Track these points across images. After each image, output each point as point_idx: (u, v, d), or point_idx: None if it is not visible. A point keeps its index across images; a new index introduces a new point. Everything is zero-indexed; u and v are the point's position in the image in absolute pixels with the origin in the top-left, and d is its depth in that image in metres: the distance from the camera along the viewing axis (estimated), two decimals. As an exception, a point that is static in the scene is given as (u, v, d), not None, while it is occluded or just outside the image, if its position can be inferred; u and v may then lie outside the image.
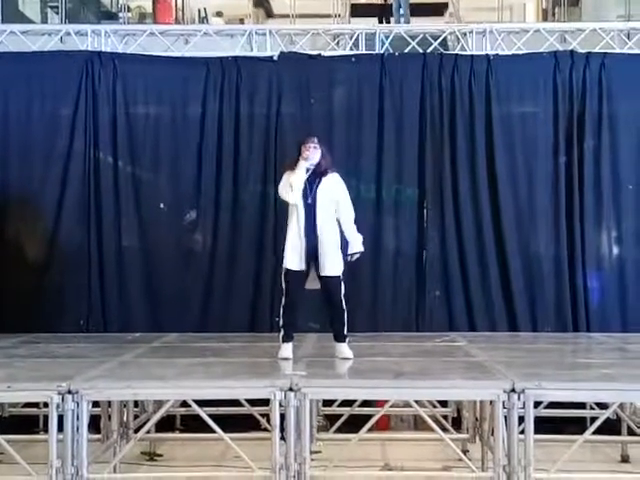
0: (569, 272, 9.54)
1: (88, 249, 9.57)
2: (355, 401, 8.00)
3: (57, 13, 14.24)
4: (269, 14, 15.97)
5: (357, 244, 7.22)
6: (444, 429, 7.61)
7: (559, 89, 9.68)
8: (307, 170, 7.11)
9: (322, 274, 7.07)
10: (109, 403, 7.11)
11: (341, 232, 7.25)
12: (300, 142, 7.22)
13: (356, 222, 8.96)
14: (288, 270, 7.09)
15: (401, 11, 14.70)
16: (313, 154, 7.10)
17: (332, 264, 7.08)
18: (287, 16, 15.79)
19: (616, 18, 13.34)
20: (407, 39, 10.52)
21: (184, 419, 8.77)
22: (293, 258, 7.06)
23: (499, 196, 9.60)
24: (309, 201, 7.06)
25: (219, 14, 16.16)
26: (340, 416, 8.27)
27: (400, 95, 9.73)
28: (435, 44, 10.45)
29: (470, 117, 9.67)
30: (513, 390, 5.83)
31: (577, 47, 10.05)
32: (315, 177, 7.12)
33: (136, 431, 7.30)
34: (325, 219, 7.08)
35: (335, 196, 7.15)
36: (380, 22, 14.87)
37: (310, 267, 7.06)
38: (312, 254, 7.03)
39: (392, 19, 14.62)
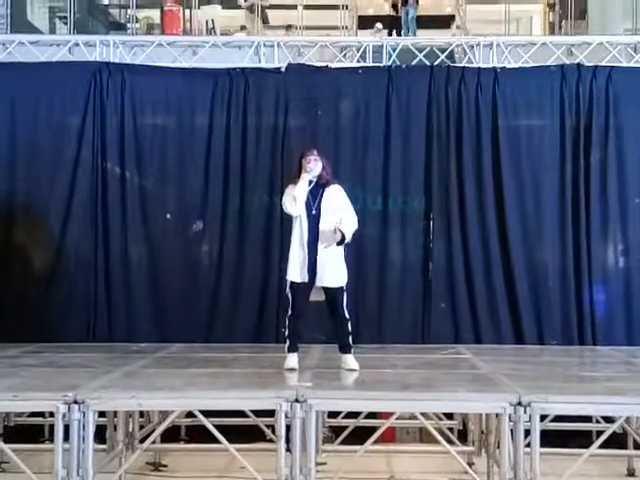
0: (575, 285, 9.53)
1: (95, 258, 9.59)
2: (360, 413, 7.98)
3: (65, 24, 14.33)
4: (264, 21, 16.06)
5: (347, 228, 7.06)
6: (450, 442, 7.60)
7: (566, 102, 9.68)
8: (310, 182, 7.14)
9: (325, 285, 7.08)
10: (115, 413, 7.10)
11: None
12: (300, 155, 7.26)
13: (362, 233, 9.06)
14: (292, 282, 7.11)
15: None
16: (314, 166, 7.13)
17: (335, 275, 7.10)
18: (283, 27, 15.86)
19: (623, 32, 13.38)
20: (414, 51, 10.54)
21: (189, 430, 8.76)
22: (296, 270, 7.08)
23: (505, 208, 9.60)
24: (313, 212, 7.09)
25: (243, 28, 16.21)
26: (345, 428, 8.27)
27: (407, 107, 9.75)
28: (442, 57, 10.47)
29: (477, 129, 9.68)
30: (519, 403, 5.81)
31: (584, 60, 10.06)
32: (318, 188, 7.16)
33: (141, 441, 7.30)
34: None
35: (339, 207, 7.16)
36: (389, 34, 14.93)
37: (315, 278, 7.07)
38: (315, 265, 7.03)
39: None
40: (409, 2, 15.48)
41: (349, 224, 7.17)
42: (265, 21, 16.22)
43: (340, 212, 7.14)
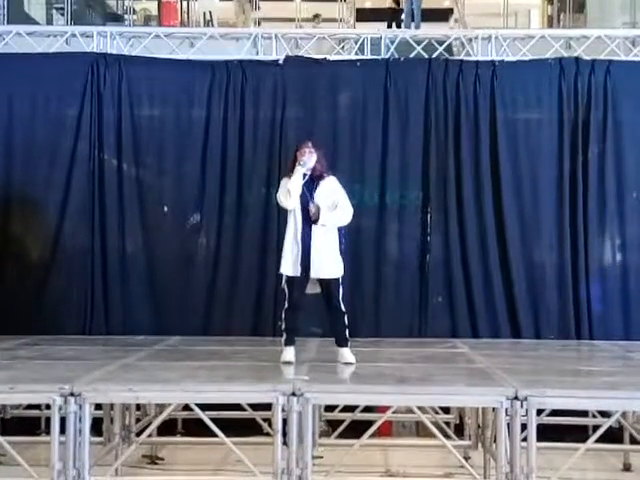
0: (572, 279, 9.52)
1: (92, 251, 9.56)
2: (357, 406, 7.98)
3: (62, 15, 14.30)
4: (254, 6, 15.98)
5: (327, 214, 7.06)
6: (446, 436, 7.60)
7: (564, 95, 9.67)
8: (304, 176, 7.11)
9: (320, 277, 7.07)
10: (111, 406, 7.10)
11: (340, 235, 7.25)
12: (296, 148, 7.24)
13: (359, 227, 9.06)
14: (287, 276, 7.10)
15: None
16: (309, 159, 7.10)
17: (330, 267, 7.08)
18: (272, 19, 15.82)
19: (621, 25, 13.38)
20: (412, 44, 10.52)
21: (186, 423, 8.76)
22: (288, 264, 7.07)
23: (503, 202, 9.59)
24: (308, 205, 7.07)
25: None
26: (342, 421, 8.26)
27: (405, 100, 9.73)
28: (440, 49, 10.44)
29: (475, 122, 9.66)
30: (516, 397, 5.81)
31: (582, 54, 10.05)
32: (312, 181, 7.14)
33: (138, 434, 7.31)
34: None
35: (333, 200, 7.14)
36: (389, 27, 14.86)
37: (310, 271, 7.06)
38: (310, 258, 7.02)
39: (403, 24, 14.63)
40: None
41: (342, 214, 7.17)
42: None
43: (334, 205, 7.12)
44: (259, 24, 16.29)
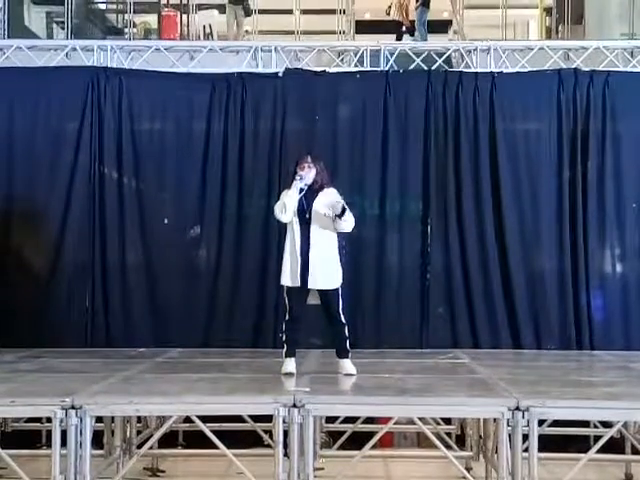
0: (573, 289, 9.54)
1: (92, 263, 9.59)
2: (358, 418, 7.98)
3: (63, 29, 14.34)
4: (247, 14, 15.91)
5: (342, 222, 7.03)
6: (448, 447, 7.59)
7: (563, 107, 9.70)
8: (301, 190, 7.11)
9: (319, 288, 7.08)
10: (112, 418, 7.09)
11: (339, 246, 7.26)
12: (295, 162, 7.25)
13: (359, 238, 9.08)
14: (287, 287, 7.12)
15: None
16: (307, 174, 7.11)
17: (329, 278, 7.09)
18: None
19: (620, 36, 13.40)
20: (412, 56, 10.54)
21: (187, 435, 8.74)
22: (288, 275, 7.09)
23: (503, 213, 9.62)
24: (307, 216, 7.09)
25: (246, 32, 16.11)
26: (343, 433, 8.26)
27: (404, 112, 9.76)
28: (439, 61, 10.46)
29: (474, 134, 9.69)
30: (517, 408, 5.80)
31: (581, 65, 10.07)
32: (312, 193, 7.14)
33: (139, 447, 7.28)
34: (321, 234, 7.08)
35: (331, 202, 7.10)
36: (399, 38, 14.86)
37: (310, 283, 7.06)
38: (308, 269, 7.03)
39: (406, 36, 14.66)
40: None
41: (350, 218, 7.10)
42: (247, 13, 16.03)
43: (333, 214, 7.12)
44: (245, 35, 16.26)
